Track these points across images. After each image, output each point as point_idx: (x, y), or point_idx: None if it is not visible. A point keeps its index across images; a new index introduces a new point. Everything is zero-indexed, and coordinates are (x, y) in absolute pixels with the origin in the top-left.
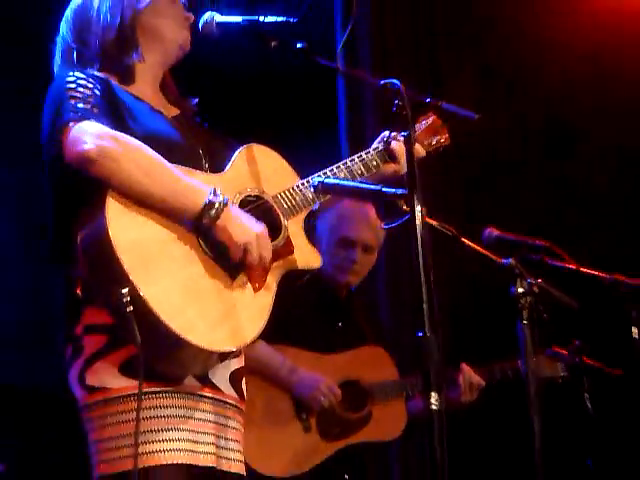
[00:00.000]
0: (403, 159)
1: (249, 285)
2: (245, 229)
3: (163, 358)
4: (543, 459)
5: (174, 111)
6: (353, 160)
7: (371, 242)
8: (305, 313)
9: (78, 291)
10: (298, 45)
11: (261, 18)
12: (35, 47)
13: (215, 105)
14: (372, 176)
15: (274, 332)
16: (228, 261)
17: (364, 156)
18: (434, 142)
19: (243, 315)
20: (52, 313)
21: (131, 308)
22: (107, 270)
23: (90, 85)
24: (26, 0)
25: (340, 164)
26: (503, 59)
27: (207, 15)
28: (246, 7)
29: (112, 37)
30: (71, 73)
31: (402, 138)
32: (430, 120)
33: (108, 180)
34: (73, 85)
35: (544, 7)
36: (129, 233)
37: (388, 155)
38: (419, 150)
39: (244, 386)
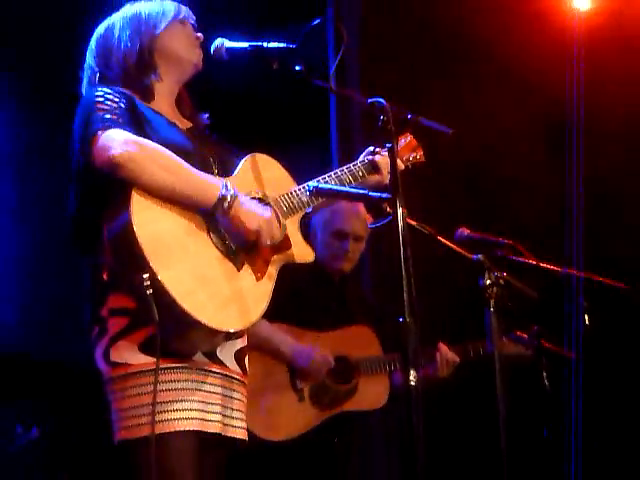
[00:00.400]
0: (385, 171)
1: (252, 274)
2: (256, 215)
3: (177, 336)
4: (507, 427)
5: (187, 124)
6: (342, 170)
7: (361, 232)
8: (303, 295)
9: (104, 276)
10: (297, 67)
11: (265, 44)
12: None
13: (221, 119)
14: (358, 185)
15: (275, 311)
16: (235, 250)
17: (352, 167)
18: (411, 158)
19: (247, 299)
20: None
21: (151, 291)
22: (130, 257)
23: (116, 99)
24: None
25: (331, 173)
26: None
27: (218, 41)
28: (251, 34)
29: (133, 62)
30: (99, 89)
31: (385, 152)
32: (408, 139)
33: (134, 180)
34: (101, 99)
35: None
36: (150, 226)
37: (372, 167)
38: (399, 164)
39: (247, 362)
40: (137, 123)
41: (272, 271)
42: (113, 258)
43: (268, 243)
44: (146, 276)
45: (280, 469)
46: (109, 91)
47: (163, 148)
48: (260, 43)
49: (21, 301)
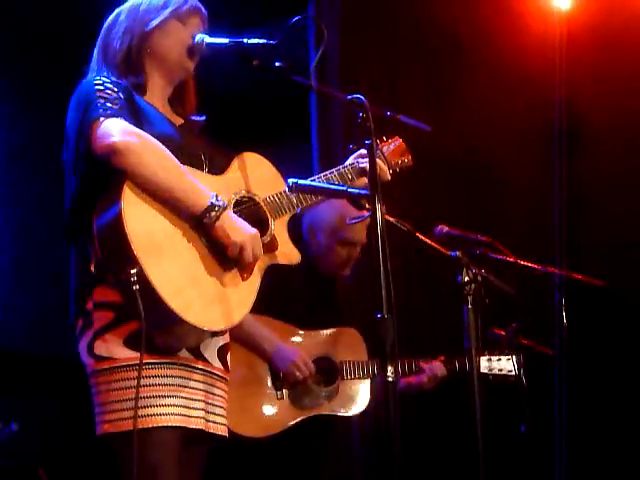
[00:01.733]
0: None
1: (238, 275)
2: (241, 231)
3: (162, 332)
4: (483, 422)
5: (179, 120)
6: (332, 172)
7: (365, 240)
8: (292, 292)
9: (92, 267)
10: (277, 64)
11: (245, 40)
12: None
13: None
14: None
15: (265, 305)
16: (222, 254)
17: (341, 170)
18: (400, 162)
19: (232, 300)
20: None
21: (137, 286)
22: (119, 251)
23: (115, 89)
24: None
25: (320, 175)
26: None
27: (198, 37)
28: (232, 30)
29: (122, 59)
30: (98, 77)
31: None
32: (397, 143)
33: (130, 170)
34: (101, 87)
35: None
36: (140, 221)
37: (361, 170)
38: (384, 168)
39: (229, 359)
40: (134, 114)
41: (257, 272)
42: (101, 250)
43: (250, 259)
44: (134, 271)
45: (254, 465)
46: (108, 80)
47: (161, 145)
48: (240, 39)
49: (3, 296)
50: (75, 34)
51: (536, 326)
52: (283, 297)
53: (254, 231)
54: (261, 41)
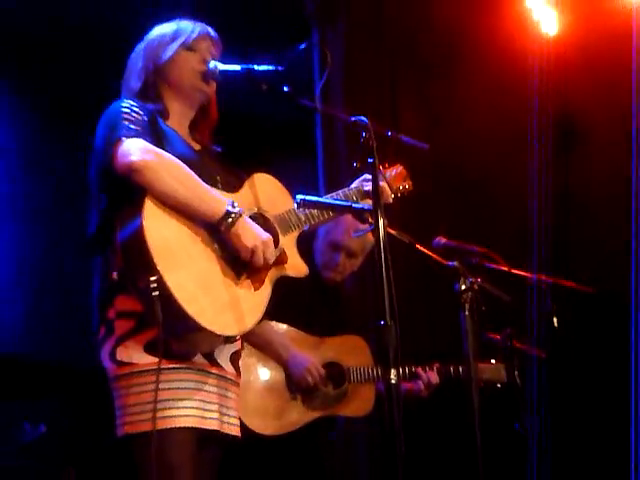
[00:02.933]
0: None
1: (250, 284)
2: (254, 236)
3: (179, 338)
4: (480, 422)
5: (198, 146)
6: (338, 194)
7: (355, 249)
8: (298, 299)
9: (114, 275)
10: (285, 88)
11: (255, 67)
12: None
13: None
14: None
15: (279, 313)
16: (236, 262)
17: (347, 192)
18: (401, 187)
19: (244, 307)
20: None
21: (157, 293)
22: (140, 261)
23: (141, 112)
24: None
25: (327, 196)
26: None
27: (212, 64)
28: (242, 57)
29: (140, 92)
30: (126, 101)
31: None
32: (399, 170)
33: (149, 186)
34: (127, 110)
35: None
36: (160, 232)
37: (365, 193)
38: (388, 192)
39: (240, 365)
40: (156, 136)
41: (268, 282)
42: (123, 261)
43: (261, 263)
44: (153, 279)
45: (266, 462)
46: (134, 104)
47: (178, 161)
48: (251, 66)
49: (30, 304)
50: (101, 63)
51: (528, 331)
52: (294, 306)
53: (266, 236)
54: (270, 67)
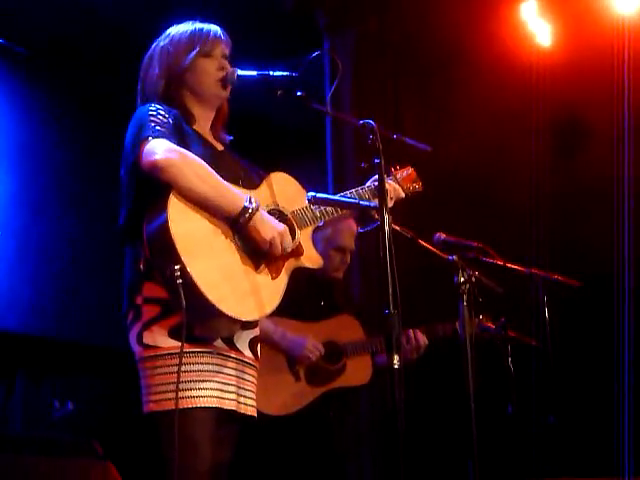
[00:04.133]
0: (391, 194)
1: (269, 273)
2: (271, 227)
3: (201, 323)
4: (475, 405)
5: (220, 147)
6: (352, 192)
7: (353, 247)
8: (298, 295)
9: (141, 266)
10: (298, 93)
11: (271, 72)
12: None
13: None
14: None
15: (278, 306)
16: (255, 253)
17: (360, 191)
18: (411, 188)
19: (263, 294)
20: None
21: (180, 280)
22: (165, 251)
23: (166, 115)
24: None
25: (341, 194)
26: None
27: (230, 70)
28: (258, 64)
29: (161, 96)
30: (153, 105)
31: (390, 180)
32: (409, 171)
33: (173, 183)
34: (154, 112)
35: None
36: (183, 224)
37: (377, 192)
38: (400, 192)
39: (259, 349)
40: (181, 138)
41: (285, 272)
42: (149, 251)
43: (279, 252)
44: (177, 267)
45: (280, 440)
46: (160, 107)
47: (200, 159)
48: (267, 72)
49: (60, 290)
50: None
51: (521, 320)
52: (290, 300)
53: (283, 227)
54: (284, 73)
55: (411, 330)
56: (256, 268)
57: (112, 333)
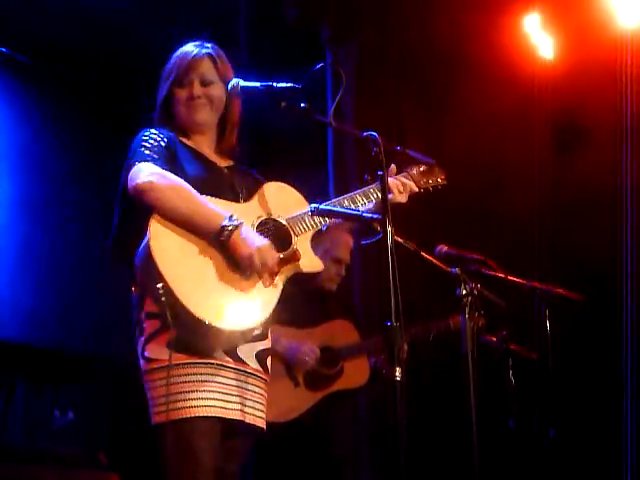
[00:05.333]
0: (396, 190)
1: (259, 284)
2: (249, 244)
3: (194, 336)
4: (477, 419)
5: (227, 162)
6: (357, 193)
7: (349, 261)
8: (293, 302)
9: (132, 288)
10: (302, 105)
11: (274, 84)
12: None
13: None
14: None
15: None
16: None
17: (366, 190)
18: (431, 182)
19: (253, 305)
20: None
21: (164, 299)
22: (150, 272)
23: (159, 138)
24: None
25: (345, 195)
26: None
27: (234, 81)
28: (262, 76)
29: (157, 115)
30: (148, 130)
31: (401, 176)
32: (429, 165)
33: (153, 206)
34: (146, 137)
35: None
36: (165, 244)
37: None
38: (412, 186)
39: (269, 362)
40: (171, 159)
41: (279, 281)
42: (139, 274)
43: (260, 268)
44: (160, 285)
45: (280, 446)
46: (155, 132)
47: (181, 181)
48: (270, 83)
49: (61, 299)
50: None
51: (522, 333)
52: (285, 309)
53: (262, 243)
54: (288, 85)
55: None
56: (245, 280)
57: (113, 342)
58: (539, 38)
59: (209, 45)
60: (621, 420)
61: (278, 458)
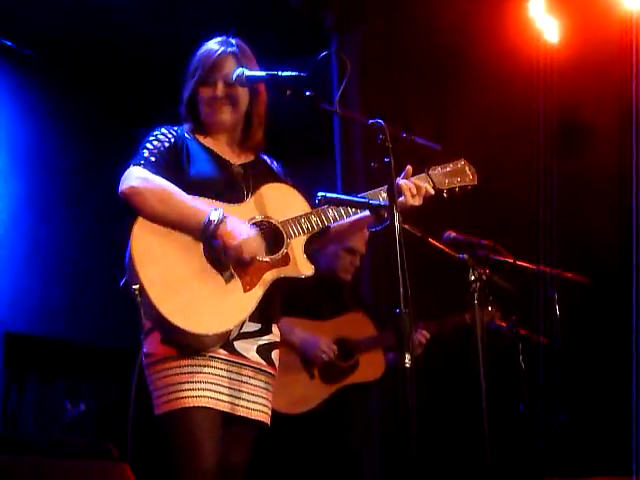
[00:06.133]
0: (408, 193)
1: (239, 286)
2: (235, 235)
3: (174, 335)
4: (488, 404)
5: (247, 158)
6: (367, 193)
7: (364, 252)
8: (309, 295)
9: (120, 284)
10: (307, 93)
11: (280, 73)
12: None
13: None
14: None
15: (289, 307)
16: (225, 266)
17: (374, 191)
18: (456, 182)
19: (229, 307)
20: None
21: (139, 299)
22: (130, 272)
23: (165, 139)
24: None
25: (362, 194)
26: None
27: (239, 70)
28: (267, 65)
29: (183, 111)
30: (157, 129)
31: (415, 178)
32: (459, 165)
33: (137, 209)
34: (152, 138)
35: None
36: (145, 245)
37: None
38: (428, 188)
39: (274, 355)
40: (174, 159)
41: (261, 284)
42: (126, 270)
43: (248, 258)
44: (136, 287)
45: (295, 438)
46: (164, 131)
47: (166, 184)
48: (275, 72)
49: (70, 292)
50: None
51: (531, 318)
52: (302, 300)
53: (249, 234)
54: (293, 74)
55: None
56: (226, 282)
57: (122, 334)
58: (544, 22)
59: (234, 42)
60: (631, 403)
61: (293, 450)
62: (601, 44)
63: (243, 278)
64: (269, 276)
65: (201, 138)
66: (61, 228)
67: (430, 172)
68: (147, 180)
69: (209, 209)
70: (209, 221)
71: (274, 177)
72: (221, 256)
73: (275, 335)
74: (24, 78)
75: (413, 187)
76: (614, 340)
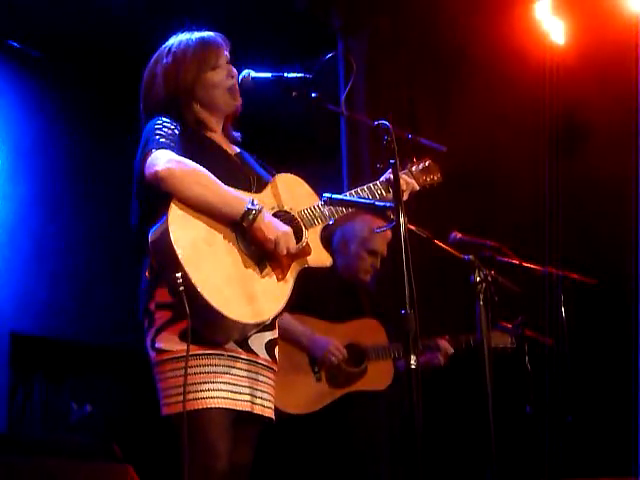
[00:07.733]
0: (403, 188)
1: (273, 276)
2: (275, 229)
3: (208, 327)
4: (493, 405)
5: (233, 150)
6: (363, 189)
7: (385, 252)
8: (324, 294)
9: (147, 274)
10: (313, 94)
11: (285, 74)
12: None
13: (247, 141)
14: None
15: (300, 306)
16: (259, 257)
17: (371, 186)
18: (428, 180)
19: (267, 297)
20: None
21: (182, 288)
22: (166, 258)
23: (172, 127)
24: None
25: (352, 191)
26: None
27: (245, 72)
28: (273, 66)
29: (166, 105)
30: (160, 119)
31: (403, 174)
32: (426, 163)
33: (174, 192)
34: (159, 126)
35: None
36: (184, 232)
37: (390, 186)
38: (414, 185)
39: (276, 352)
40: (187, 147)
41: (290, 275)
42: (155, 259)
43: (284, 252)
44: (179, 275)
45: (299, 438)
46: (167, 120)
47: (200, 167)
48: (281, 73)
49: (77, 292)
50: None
51: (538, 319)
52: (316, 299)
53: (287, 228)
54: (299, 75)
55: (443, 340)
56: (260, 271)
57: (129, 335)
58: (550, 24)
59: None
60: (637, 405)
61: (296, 450)
62: (607, 46)
63: (274, 268)
64: (296, 266)
65: (198, 129)
66: (67, 227)
67: (413, 169)
68: (181, 162)
69: (247, 198)
70: (248, 210)
71: (264, 167)
72: (256, 246)
73: (277, 330)
74: (30, 79)
75: (403, 183)
76: (620, 341)
